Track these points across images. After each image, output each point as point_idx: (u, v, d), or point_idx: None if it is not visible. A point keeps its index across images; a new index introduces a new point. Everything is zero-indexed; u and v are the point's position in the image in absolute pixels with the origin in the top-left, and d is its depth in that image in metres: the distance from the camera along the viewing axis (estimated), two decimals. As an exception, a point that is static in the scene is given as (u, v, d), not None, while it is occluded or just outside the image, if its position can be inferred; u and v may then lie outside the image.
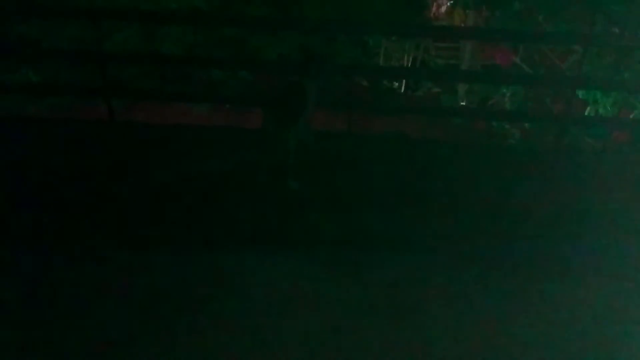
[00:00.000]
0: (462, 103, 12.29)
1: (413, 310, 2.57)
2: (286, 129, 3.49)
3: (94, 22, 4.97)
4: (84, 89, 6.44)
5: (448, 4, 15.28)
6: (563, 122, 5.32)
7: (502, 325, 2.50)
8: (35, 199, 3.46)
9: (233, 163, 3.92)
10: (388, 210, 3.48)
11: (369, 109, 6.57)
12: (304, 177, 3.66)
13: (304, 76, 3.66)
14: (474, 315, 2.56)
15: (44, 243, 3.00)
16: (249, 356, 2.27)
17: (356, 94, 6.60)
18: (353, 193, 3.68)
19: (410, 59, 15.42)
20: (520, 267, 2.94)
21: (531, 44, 9.18)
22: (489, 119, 9.18)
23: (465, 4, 11.07)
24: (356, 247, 3.06)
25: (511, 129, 10.12)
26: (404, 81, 14.47)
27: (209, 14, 6.94)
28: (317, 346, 2.32)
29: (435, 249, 3.10)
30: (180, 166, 3.93)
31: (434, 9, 15.49)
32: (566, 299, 2.69)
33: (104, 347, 2.28)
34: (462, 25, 14.20)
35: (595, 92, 7.64)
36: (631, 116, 7.95)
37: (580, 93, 7.56)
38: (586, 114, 7.85)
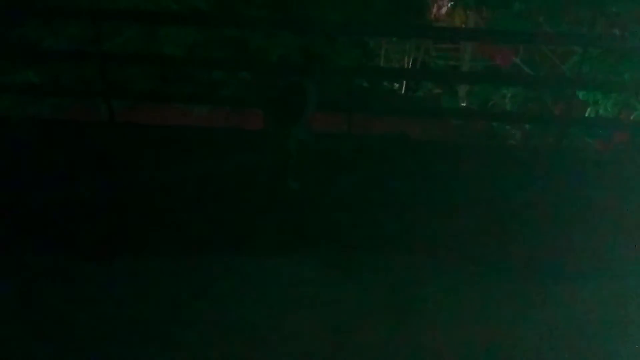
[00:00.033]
0: (462, 104, 12.29)
1: (413, 312, 2.56)
2: (286, 129, 3.49)
3: (94, 23, 4.96)
4: (84, 90, 6.44)
5: (448, 5, 15.28)
6: (563, 123, 5.32)
7: (503, 326, 2.49)
8: (34, 199, 3.45)
9: (233, 164, 3.91)
10: (388, 211, 3.48)
11: (369, 110, 6.57)
12: (304, 177, 3.66)
13: (304, 77, 3.65)
14: (474, 316, 2.56)
15: (43, 244, 2.99)
16: (249, 357, 2.26)
17: (357, 94, 6.60)
18: (353, 194, 3.67)
19: (411, 60, 15.44)
20: (521, 268, 2.93)
21: (532, 44, 9.17)
22: (490, 120, 9.18)
23: (465, 5, 11.06)
24: (356, 248, 3.06)
25: (511, 129, 10.12)
26: (404, 82, 14.49)
27: (209, 15, 6.93)
28: (317, 347, 2.32)
29: (436, 250, 3.09)
30: (180, 167, 3.92)
31: (434, 10, 15.49)
32: (567, 300, 2.68)
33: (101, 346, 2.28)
34: (463, 26, 14.19)
35: (595, 93, 7.63)
36: (631, 117, 7.94)
37: (581, 94, 7.55)
38: (586, 115, 7.84)
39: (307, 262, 2.89)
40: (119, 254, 2.90)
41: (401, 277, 2.80)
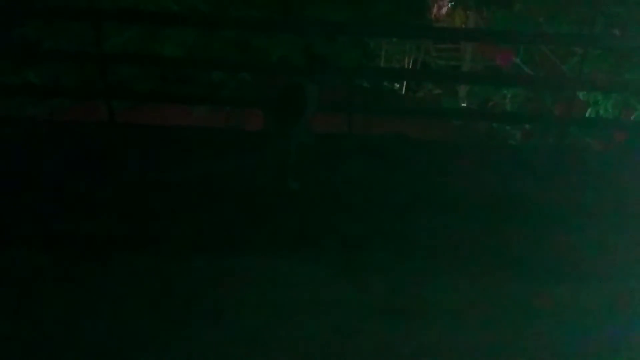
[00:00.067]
0: (462, 104, 12.28)
1: (414, 312, 2.56)
2: (287, 130, 3.49)
3: (94, 23, 4.96)
4: (84, 91, 6.43)
5: (449, 5, 15.29)
6: (564, 124, 5.31)
7: (504, 327, 2.49)
8: (33, 199, 3.45)
9: (233, 164, 3.91)
10: (389, 212, 3.48)
11: (369, 111, 6.57)
12: (305, 178, 3.65)
13: (305, 77, 3.65)
14: (475, 317, 2.55)
15: (41, 245, 2.99)
16: (248, 358, 2.25)
17: (357, 95, 6.60)
18: (353, 195, 3.67)
19: (411, 60, 15.44)
20: (522, 269, 2.93)
21: (532, 45, 9.17)
22: (490, 120, 9.18)
23: (465, 5, 11.06)
24: (357, 248, 3.05)
25: (512, 130, 10.11)
26: (404, 83, 14.49)
27: (209, 16, 6.94)
28: (317, 349, 2.31)
29: (436, 251, 3.09)
30: (180, 167, 3.93)
31: (434, 10, 15.49)
32: (568, 301, 2.68)
33: (102, 346, 2.27)
34: (463, 26, 14.20)
35: (595, 93, 7.62)
36: (632, 117, 7.93)
37: (581, 94, 7.55)
38: (587, 115, 7.83)
39: (307, 262, 2.88)
40: (116, 253, 2.90)
41: (401, 278, 2.80)
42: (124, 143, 4.45)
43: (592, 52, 6.93)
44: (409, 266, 2.89)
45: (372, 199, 3.62)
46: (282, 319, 2.47)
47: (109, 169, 3.92)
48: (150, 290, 2.64)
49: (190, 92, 7.74)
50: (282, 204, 3.49)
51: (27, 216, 3.27)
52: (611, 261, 3.03)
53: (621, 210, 3.57)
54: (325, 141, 4.13)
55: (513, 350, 2.35)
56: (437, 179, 3.95)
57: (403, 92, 14.52)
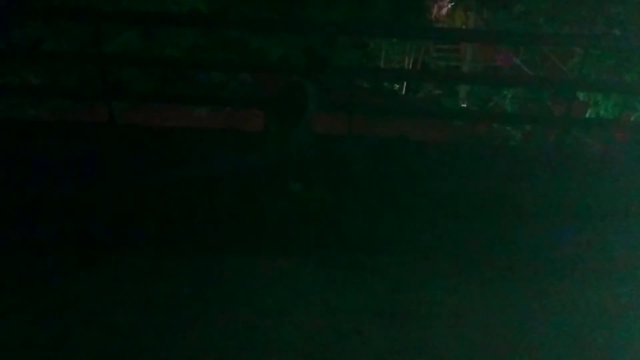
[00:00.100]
0: (463, 105, 12.28)
1: (415, 314, 2.56)
2: (287, 130, 3.49)
3: (94, 24, 4.96)
4: (84, 92, 6.43)
5: (449, 5, 15.30)
6: (564, 124, 5.31)
7: (505, 327, 2.49)
8: (32, 199, 3.45)
9: (234, 165, 3.91)
10: (389, 213, 3.47)
11: (369, 111, 6.57)
12: (305, 179, 3.65)
13: (305, 78, 3.65)
14: (476, 318, 2.55)
15: (40, 246, 2.99)
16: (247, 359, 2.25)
17: (357, 96, 6.59)
18: (354, 195, 3.67)
19: (411, 61, 15.45)
20: (522, 269, 2.93)
21: (532, 45, 9.17)
22: (490, 121, 9.17)
23: (466, 5, 11.07)
24: (357, 250, 3.05)
25: (512, 130, 10.10)
26: (405, 83, 14.49)
27: (209, 16, 6.95)
28: (319, 350, 2.31)
29: (437, 251, 3.09)
30: (180, 168, 3.92)
31: (434, 10, 15.50)
32: (569, 301, 2.68)
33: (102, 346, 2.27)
34: (463, 27, 14.21)
35: (596, 94, 7.62)
36: (632, 118, 7.93)
37: (581, 95, 7.54)
38: (587, 115, 7.83)
39: (308, 263, 2.88)
40: (116, 253, 2.90)
41: (402, 279, 2.80)
42: (124, 144, 4.44)
43: (592, 52, 6.93)
44: (410, 267, 2.89)
45: (373, 201, 3.61)
46: (282, 319, 2.47)
47: (109, 168, 3.91)
48: (150, 290, 2.63)
49: (190, 92, 7.75)
50: (283, 205, 3.48)
51: (27, 216, 3.27)
52: (612, 261, 3.03)
53: (621, 210, 3.57)
54: (326, 142, 4.13)
55: (515, 351, 2.35)
56: (437, 179, 3.94)
57: (403, 92, 14.53)
